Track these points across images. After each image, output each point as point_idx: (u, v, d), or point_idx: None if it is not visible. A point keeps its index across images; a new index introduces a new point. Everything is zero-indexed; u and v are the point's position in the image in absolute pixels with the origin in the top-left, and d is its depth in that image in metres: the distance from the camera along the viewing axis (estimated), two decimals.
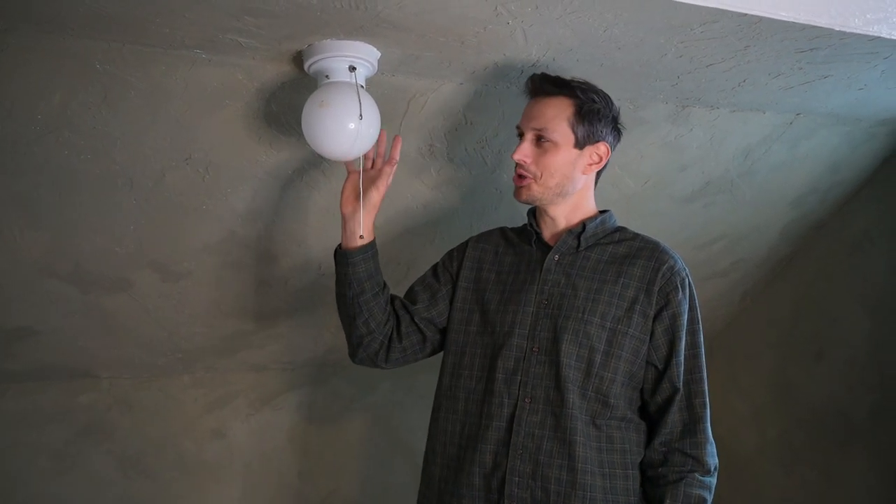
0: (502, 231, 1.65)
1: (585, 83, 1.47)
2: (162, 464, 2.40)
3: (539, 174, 1.46)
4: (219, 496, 2.47)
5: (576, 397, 1.40)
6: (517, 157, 1.47)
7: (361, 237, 1.52)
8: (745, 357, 3.01)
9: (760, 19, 1.33)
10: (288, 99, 1.58)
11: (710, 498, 1.40)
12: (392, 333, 1.59)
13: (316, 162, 1.75)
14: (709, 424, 1.44)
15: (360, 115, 1.39)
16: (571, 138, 1.45)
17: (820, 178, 2.38)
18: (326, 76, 1.43)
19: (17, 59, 1.33)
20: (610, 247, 1.50)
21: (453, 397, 1.53)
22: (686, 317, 1.46)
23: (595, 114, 1.46)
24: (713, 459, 1.43)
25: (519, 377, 1.44)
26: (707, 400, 1.45)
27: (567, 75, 1.50)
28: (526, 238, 1.58)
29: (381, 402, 2.67)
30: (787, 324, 2.80)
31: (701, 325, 1.49)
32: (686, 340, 1.46)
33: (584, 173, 1.49)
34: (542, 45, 1.46)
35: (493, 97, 1.73)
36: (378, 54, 1.46)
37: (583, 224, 1.51)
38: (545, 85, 1.46)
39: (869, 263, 2.46)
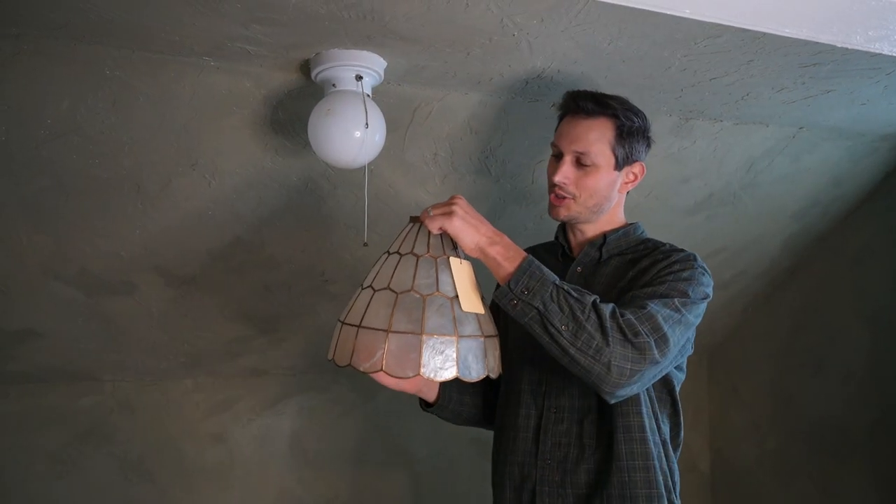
0: (533, 250, 1.64)
1: (624, 101, 1.44)
2: (162, 468, 2.40)
3: (578, 195, 1.43)
4: (218, 501, 2.47)
5: (598, 402, 1.40)
6: (558, 179, 1.42)
7: None
8: (745, 369, 3.01)
9: (764, 34, 1.34)
10: (295, 107, 1.59)
11: (608, 325, 1.20)
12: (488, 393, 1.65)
13: (321, 169, 1.76)
14: (662, 320, 1.25)
15: (366, 123, 1.40)
16: (612, 160, 1.42)
17: (822, 192, 2.39)
18: (333, 85, 1.44)
19: (27, 64, 1.35)
20: (630, 255, 1.48)
21: (498, 416, 1.57)
22: (675, 267, 1.36)
23: (633, 135, 1.44)
24: (643, 329, 1.22)
25: (543, 388, 1.45)
26: (664, 327, 1.25)
27: (592, 87, 1.49)
28: (553, 252, 1.58)
29: (381, 409, 2.68)
30: (788, 337, 2.80)
31: (690, 304, 1.32)
32: (667, 285, 1.33)
33: (620, 192, 1.49)
34: (546, 56, 1.47)
35: (498, 107, 1.74)
36: (384, 64, 1.47)
37: (604, 236, 1.49)
38: (587, 103, 1.42)
39: (870, 277, 2.47)
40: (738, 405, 3.05)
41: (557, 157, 1.46)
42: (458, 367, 1.19)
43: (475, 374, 1.22)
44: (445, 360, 1.19)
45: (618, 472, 1.36)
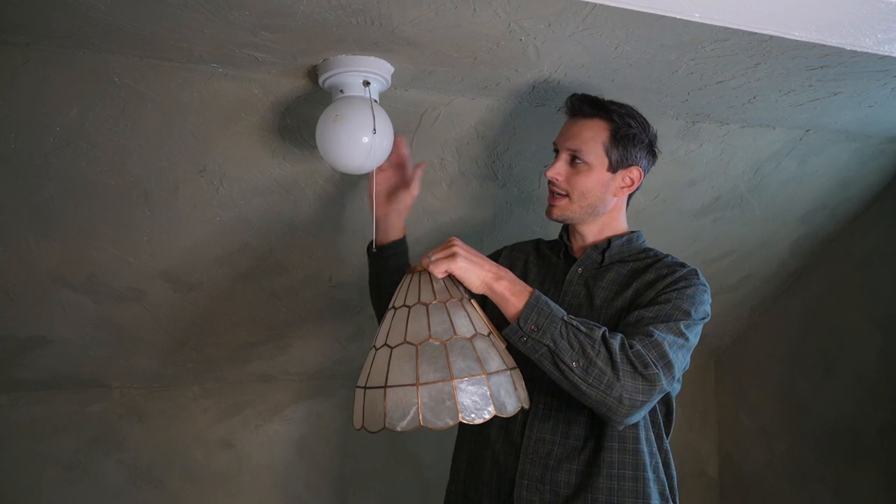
0: (536, 243, 1.67)
1: (624, 107, 1.47)
2: (171, 474, 2.40)
3: (572, 193, 1.47)
4: None
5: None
6: (550, 174, 1.47)
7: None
8: (754, 372, 3.00)
9: (771, 38, 1.34)
10: (302, 113, 1.60)
11: (618, 359, 1.23)
12: None
13: (329, 175, 1.77)
14: (668, 347, 1.28)
15: (374, 129, 1.41)
16: (605, 161, 1.45)
17: (829, 194, 2.39)
18: (341, 90, 1.45)
19: (37, 72, 1.35)
20: (631, 263, 1.49)
21: None
22: (679, 284, 1.38)
23: (630, 139, 1.45)
24: (652, 358, 1.25)
25: (534, 383, 1.45)
26: (669, 353, 1.28)
27: (602, 95, 1.50)
28: (556, 251, 1.60)
29: None
30: (796, 339, 2.79)
31: (693, 325, 1.36)
32: (672, 304, 1.35)
33: (615, 195, 1.49)
34: (553, 61, 1.47)
35: (505, 112, 1.74)
36: (392, 69, 1.48)
37: (608, 241, 1.51)
38: (583, 106, 1.46)
39: (878, 279, 2.46)
40: (746, 409, 3.04)
41: (556, 154, 1.51)
42: (495, 405, 1.19)
43: (510, 408, 1.22)
44: (481, 399, 1.18)
45: (607, 479, 1.37)
